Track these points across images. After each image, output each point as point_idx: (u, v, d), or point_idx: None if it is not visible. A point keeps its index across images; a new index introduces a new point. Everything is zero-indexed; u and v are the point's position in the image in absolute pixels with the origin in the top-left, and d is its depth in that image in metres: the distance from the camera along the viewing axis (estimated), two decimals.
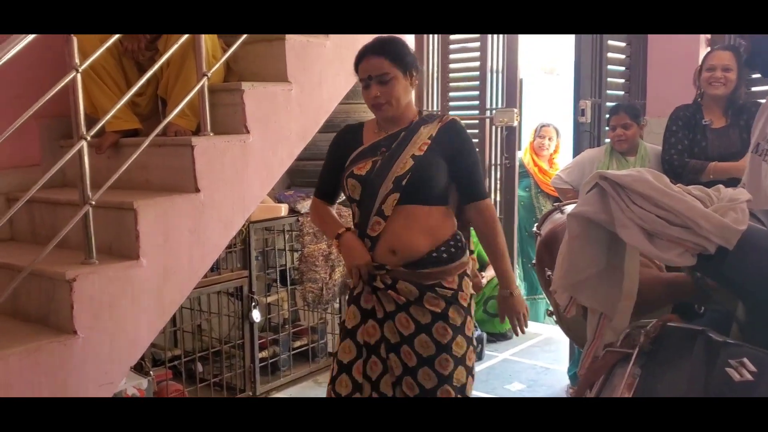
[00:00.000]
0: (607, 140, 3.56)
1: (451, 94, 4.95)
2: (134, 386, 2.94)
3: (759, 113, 1.96)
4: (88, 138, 2.27)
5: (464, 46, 4.86)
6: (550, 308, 2.50)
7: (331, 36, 3.06)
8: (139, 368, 3.07)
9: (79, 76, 2.25)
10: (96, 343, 2.22)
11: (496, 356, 4.39)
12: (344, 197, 2.25)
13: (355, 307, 2.19)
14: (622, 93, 3.97)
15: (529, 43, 5.57)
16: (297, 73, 2.92)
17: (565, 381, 3.89)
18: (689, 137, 3.02)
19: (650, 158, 3.30)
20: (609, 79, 3.93)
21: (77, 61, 2.24)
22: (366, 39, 2.17)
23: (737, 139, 2.95)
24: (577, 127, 3.96)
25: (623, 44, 3.93)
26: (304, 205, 3.89)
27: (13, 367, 2.03)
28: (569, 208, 2.71)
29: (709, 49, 3.27)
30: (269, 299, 4.04)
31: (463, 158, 2.13)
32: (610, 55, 3.89)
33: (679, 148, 3.01)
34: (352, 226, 2.20)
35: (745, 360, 1.25)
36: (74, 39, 2.23)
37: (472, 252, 2.30)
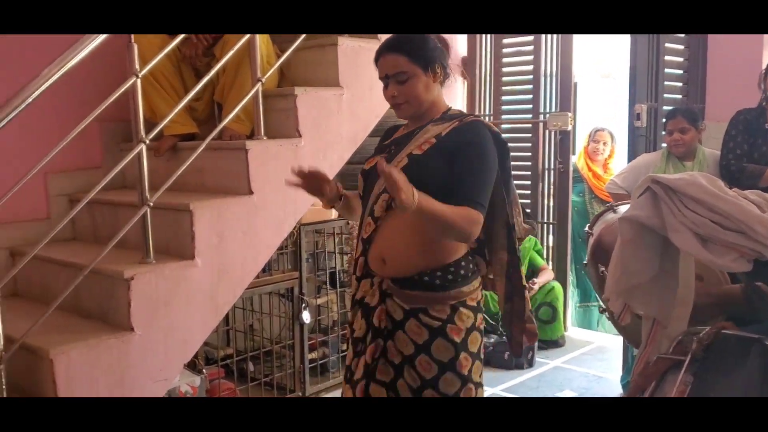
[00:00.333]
0: (664, 145, 3.48)
1: (504, 97, 4.89)
2: (188, 383, 3.01)
3: None
4: (147, 141, 2.34)
5: (518, 49, 4.82)
6: (603, 306, 2.45)
7: (383, 39, 3.08)
8: (192, 366, 3.14)
9: (138, 81, 2.32)
10: (152, 340, 2.29)
11: (547, 363, 4.32)
12: None
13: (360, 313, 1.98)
14: (679, 97, 3.87)
15: (583, 46, 5.49)
16: (348, 78, 2.96)
17: (618, 390, 3.81)
18: (749, 142, 2.93)
19: (708, 163, 3.21)
20: (666, 83, 3.83)
21: (137, 67, 2.31)
22: None
23: None
24: (633, 131, 3.88)
25: (681, 47, 3.83)
26: None
27: (75, 361, 2.11)
28: (623, 209, 2.67)
29: None
30: (319, 301, 4.07)
31: (460, 158, 1.82)
32: (667, 57, 3.79)
33: (738, 153, 2.93)
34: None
35: None
36: (135, 46, 2.31)
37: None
